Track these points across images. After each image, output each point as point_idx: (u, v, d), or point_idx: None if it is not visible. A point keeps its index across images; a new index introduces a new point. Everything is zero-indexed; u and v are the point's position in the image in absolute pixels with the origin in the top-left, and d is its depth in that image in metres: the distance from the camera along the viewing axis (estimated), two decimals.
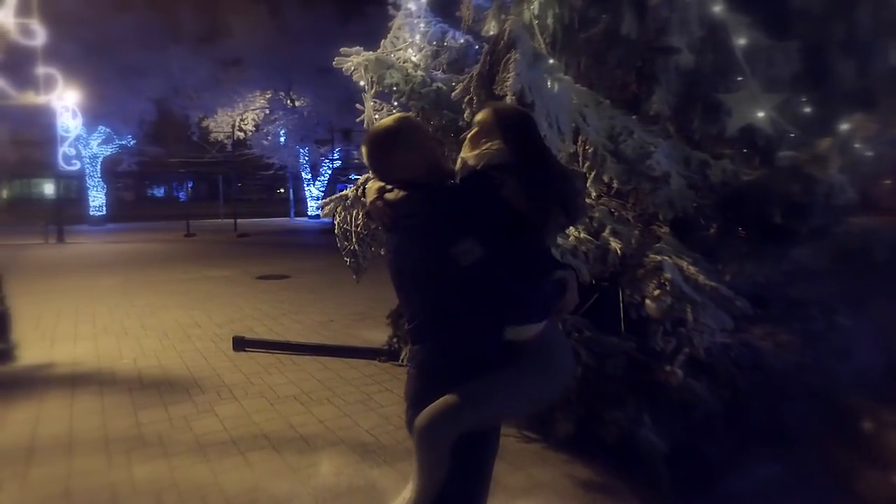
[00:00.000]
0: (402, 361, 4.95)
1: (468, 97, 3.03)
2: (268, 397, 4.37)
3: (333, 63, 4.35)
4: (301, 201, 32.97)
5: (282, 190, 42.67)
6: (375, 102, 4.97)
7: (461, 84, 3.23)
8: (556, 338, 1.79)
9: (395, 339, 5.27)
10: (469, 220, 1.63)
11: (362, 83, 4.38)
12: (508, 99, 2.49)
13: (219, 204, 31.98)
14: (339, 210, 3.48)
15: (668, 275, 2.59)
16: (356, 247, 3.38)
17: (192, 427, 3.82)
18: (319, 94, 26.77)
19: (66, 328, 6.44)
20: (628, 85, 3.78)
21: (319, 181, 31.21)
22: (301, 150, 29.78)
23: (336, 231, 3.55)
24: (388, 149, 1.78)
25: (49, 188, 30.85)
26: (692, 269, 2.79)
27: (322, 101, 26.87)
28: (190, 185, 42.87)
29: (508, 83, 2.53)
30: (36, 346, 5.68)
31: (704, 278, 2.74)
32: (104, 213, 26.43)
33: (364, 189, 1.87)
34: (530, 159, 1.76)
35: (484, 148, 1.79)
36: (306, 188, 31.65)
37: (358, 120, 5.23)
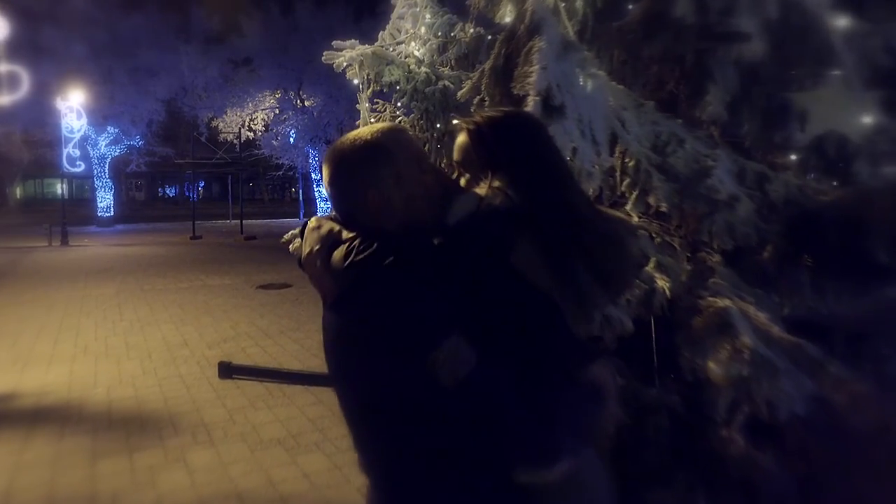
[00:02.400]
0: None
1: (479, 98, 2.44)
2: (249, 442, 3.82)
3: (322, 58, 3.79)
4: (311, 202, 32.69)
5: (293, 190, 42.38)
6: (378, 103, 4.42)
7: (470, 82, 2.64)
8: (590, 475, 1.18)
9: None
10: (457, 306, 1.04)
11: (356, 81, 3.81)
12: (531, 101, 1.92)
13: (228, 204, 31.74)
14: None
15: (745, 339, 1.99)
16: None
17: (157, 482, 3.28)
18: (330, 94, 26.33)
19: (44, 348, 5.95)
20: (665, 83, 3.17)
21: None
22: (311, 150, 29.46)
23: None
24: (359, 174, 1.16)
25: (61, 189, 30.74)
26: (761, 316, 2.19)
27: (332, 100, 26.43)
28: (201, 186, 42.74)
29: (531, 79, 1.95)
30: (4, 371, 5.19)
31: (779, 330, 2.15)
32: (112, 214, 26.16)
33: (305, 226, 1.28)
34: (546, 200, 1.16)
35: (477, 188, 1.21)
36: (316, 189, 31.40)
37: (358, 123, 4.69)
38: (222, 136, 29.31)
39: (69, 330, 6.69)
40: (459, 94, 2.70)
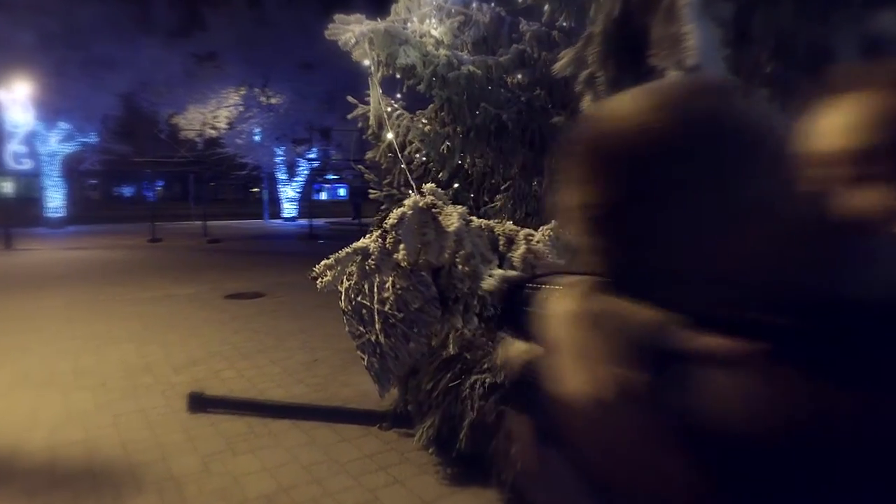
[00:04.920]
0: (416, 435, 3.73)
1: (588, 74, 1.81)
2: (231, 500, 3.12)
3: (326, 34, 3.13)
4: (276, 202, 31.71)
5: (256, 190, 41.17)
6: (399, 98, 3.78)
7: (571, 51, 1.97)
8: None
9: (404, 403, 4.06)
10: None
11: (366, 63, 3.16)
12: (676, 76, 1.33)
13: (190, 205, 30.43)
14: (350, 272, 2.17)
15: None
16: (381, 337, 2.11)
17: None
18: (298, 91, 25.51)
19: None
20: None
21: (296, 182, 30.18)
22: (277, 149, 28.57)
23: (343, 306, 2.26)
24: (692, 188, 0.53)
25: (10, 187, 28.85)
26: None
27: (301, 98, 25.62)
28: (160, 185, 41.04)
29: (687, 44, 1.34)
30: None
31: None
32: (63, 214, 24.55)
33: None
34: None
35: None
36: (282, 189, 30.56)
37: (352, 116, 4.03)
38: (184, 133, 27.98)
39: (9, 352, 5.78)
40: (557, 66, 2.05)
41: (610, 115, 0.60)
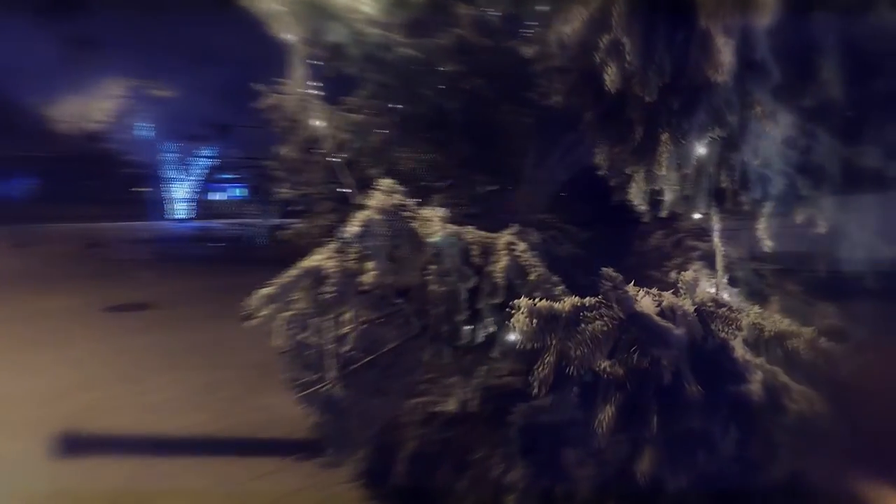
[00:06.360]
0: (344, 467, 3.25)
1: (610, 41, 1.40)
2: None
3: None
4: (165, 203, 29.99)
5: (144, 189, 38.47)
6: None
7: (582, 10, 1.54)
8: None
9: (326, 423, 3.54)
10: None
11: (289, 38, 2.69)
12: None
13: (66, 206, 27.67)
14: (299, 300, 1.65)
15: None
16: (339, 388, 1.62)
17: None
18: (192, 84, 24.06)
19: None
20: None
21: (188, 181, 28.85)
22: (168, 146, 27.23)
23: (281, 344, 1.74)
24: None
25: None
26: None
27: (195, 92, 24.22)
28: (30, 183, 36.92)
29: None
30: None
31: None
32: None
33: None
34: None
35: None
36: (172, 189, 29.17)
37: (263, 105, 3.54)
38: (59, 126, 25.47)
39: None
40: (566, 28, 1.66)
41: None
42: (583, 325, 1.36)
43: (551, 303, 1.37)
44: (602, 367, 1.34)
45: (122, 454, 3.55)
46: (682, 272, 1.78)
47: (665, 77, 1.26)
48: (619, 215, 2.16)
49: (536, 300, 1.33)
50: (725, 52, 1.22)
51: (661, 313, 1.46)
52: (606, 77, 1.38)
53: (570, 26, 1.52)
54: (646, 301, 1.48)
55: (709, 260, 1.95)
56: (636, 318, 1.37)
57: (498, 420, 1.85)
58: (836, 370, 1.49)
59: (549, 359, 1.32)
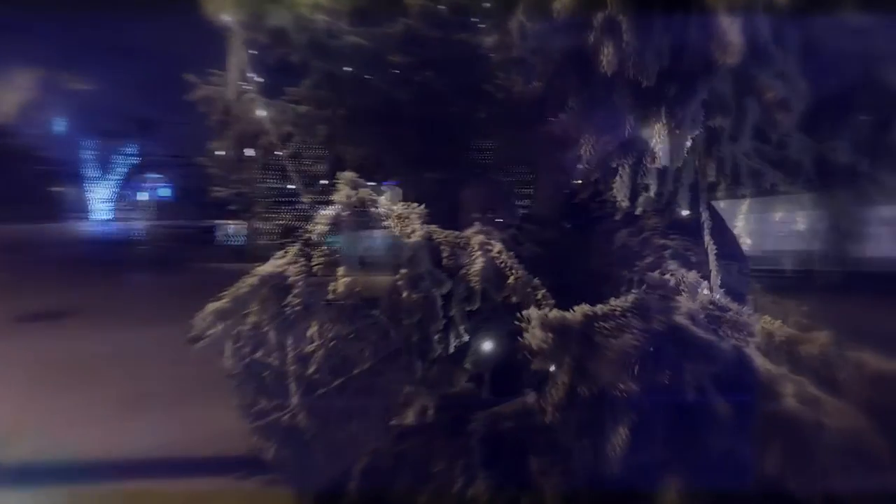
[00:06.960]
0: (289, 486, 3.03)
1: (605, 17, 1.29)
2: None
3: None
4: (82, 204, 28.42)
5: (59, 189, 36.21)
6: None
7: None
8: None
9: (267, 438, 3.30)
10: None
11: (227, 19, 2.46)
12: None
13: None
14: (253, 313, 1.43)
15: None
16: (302, 416, 1.38)
17: None
18: (115, 76, 22.91)
19: None
20: None
21: (108, 180, 27.61)
22: (84, 142, 25.85)
23: (231, 365, 1.50)
24: None
25: None
26: None
27: (118, 85, 23.07)
28: None
29: None
30: None
31: None
32: None
33: None
34: None
35: None
36: (89, 188, 27.78)
37: (195, 97, 3.30)
38: None
39: None
40: (558, 4, 1.53)
41: None
42: (609, 339, 1.23)
43: (563, 313, 1.25)
44: (625, 386, 1.22)
45: (35, 483, 3.18)
46: (657, 272, 1.71)
47: (664, 60, 1.19)
48: (584, 213, 2.09)
49: (547, 311, 1.20)
50: (733, 33, 1.16)
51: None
52: (602, 58, 1.28)
53: (560, 3, 1.41)
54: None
55: (681, 259, 1.90)
56: (677, 331, 1.25)
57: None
58: (850, 376, 1.45)
59: (564, 379, 1.19)
